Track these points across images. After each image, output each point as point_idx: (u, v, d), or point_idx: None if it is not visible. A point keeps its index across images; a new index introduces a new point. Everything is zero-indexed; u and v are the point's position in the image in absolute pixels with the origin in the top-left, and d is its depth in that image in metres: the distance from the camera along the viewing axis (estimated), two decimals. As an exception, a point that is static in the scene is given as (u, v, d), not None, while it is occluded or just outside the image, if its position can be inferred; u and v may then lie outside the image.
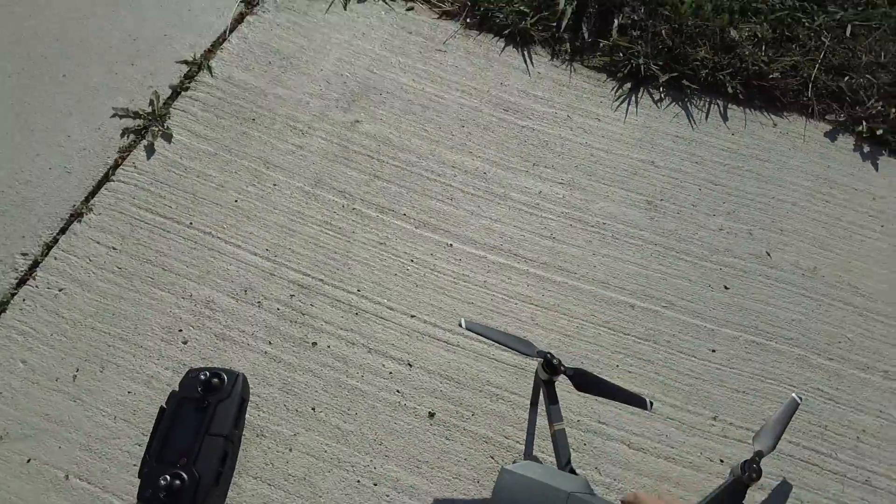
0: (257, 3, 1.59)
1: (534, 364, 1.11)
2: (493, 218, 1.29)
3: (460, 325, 0.97)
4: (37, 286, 1.15)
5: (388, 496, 1.00)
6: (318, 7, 1.61)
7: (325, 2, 1.62)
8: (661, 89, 1.48)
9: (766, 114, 1.46)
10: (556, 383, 0.95)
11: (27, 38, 1.50)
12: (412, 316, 1.17)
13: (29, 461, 1.00)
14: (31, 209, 1.25)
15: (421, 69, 1.53)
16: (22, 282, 1.16)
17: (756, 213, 1.31)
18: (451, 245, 1.26)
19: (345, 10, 1.61)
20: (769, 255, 1.26)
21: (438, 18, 1.61)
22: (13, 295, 1.14)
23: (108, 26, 1.54)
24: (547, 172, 1.35)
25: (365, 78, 1.50)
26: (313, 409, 1.07)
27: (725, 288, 1.22)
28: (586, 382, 0.95)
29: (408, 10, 1.63)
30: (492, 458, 1.04)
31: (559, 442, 0.90)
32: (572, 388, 0.91)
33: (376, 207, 1.30)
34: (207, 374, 1.00)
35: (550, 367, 0.93)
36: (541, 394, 1.06)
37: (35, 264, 1.18)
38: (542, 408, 1.07)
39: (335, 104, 1.45)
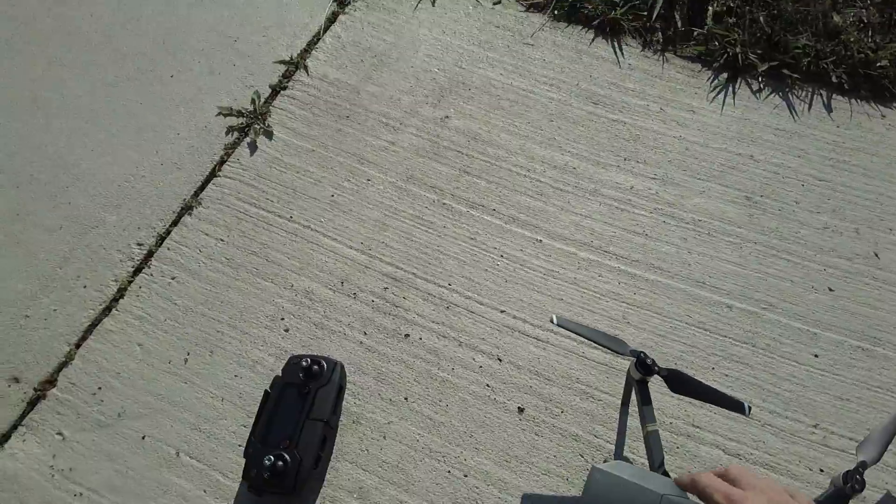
0: (349, 3, 1.62)
1: (624, 363, 1.08)
2: (584, 214, 1.26)
3: (552, 322, 0.96)
4: (151, 274, 1.23)
5: (477, 488, 1.00)
6: (407, 4, 1.62)
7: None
8: (759, 79, 1.40)
9: (873, 104, 1.36)
10: (648, 383, 0.93)
11: (135, 44, 1.59)
12: (502, 311, 1.17)
13: (144, 438, 1.06)
14: (145, 202, 1.32)
15: (509, 63, 1.51)
16: (138, 270, 1.23)
17: (863, 210, 1.23)
18: (540, 241, 1.24)
19: (433, 6, 1.61)
20: (877, 255, 1.18)
21: (525, 11, 1.58)
22: (130, 282, 1.22)
23: (209, 29, 1.60)
24: (639, 167, 1.31)
25: (454, 73, 1.50)
26: (406, 398, 1.08)
27: (830, 290, 1.15)
28: (681, 383, 0.91)
29: (495, 4, 1.62)
30: (581, 456, 1.03)
31: (652, 443, 0.87)
32: (665, 389, 0.88)
33: (466, 203, 1.30)
34: (309, 360, 1.03)
35: (644, 366, 0.91)
36: (632, 393, 1.03)
37: (150, 254, 1.25)
38: (633, 408, 1.04)
39: (425, 100, 1.46)
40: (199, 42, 1.58)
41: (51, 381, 1.11)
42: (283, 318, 1.17)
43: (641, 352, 0.91)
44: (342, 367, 1.07)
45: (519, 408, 1.07)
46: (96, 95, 1.48)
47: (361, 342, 1.14)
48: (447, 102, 1.45)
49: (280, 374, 1.05)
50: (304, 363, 1.03)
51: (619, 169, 1.31)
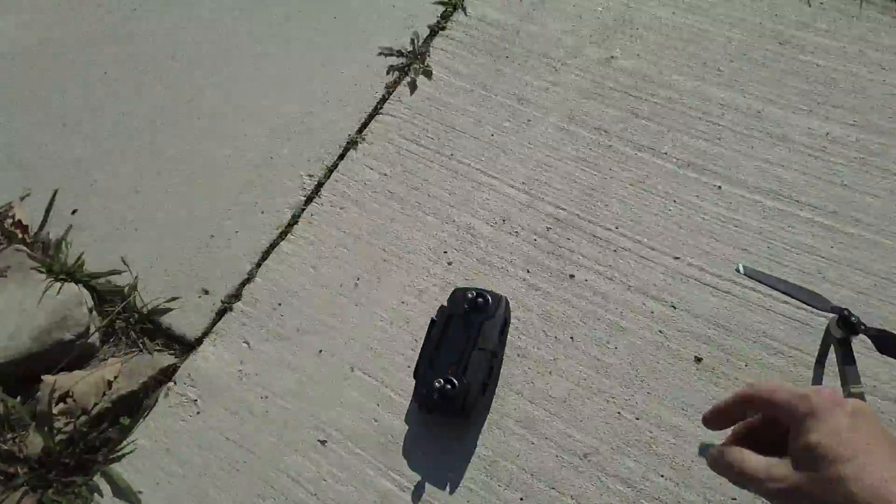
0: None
1: (820, 320, 0.98)
2: (770, 160, 1.15)
3: (738, 271, 0.89)
4: (322, 204, 1.25)
5: (650, 432, 0.95)
6: (572, -58, 1.54)
7: (580, -64, 1.54)
8: None
9: None
10: (851, 343, 0.84)
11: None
12: (676, 258, 1.10)
13: (320, 352, 1.10)
14: (314, 136, 1.35)
15: (681, 1, 1.40)
16: (310, 199, 1.27)
17: None
18: (719, 187, 1.15)
19: (599, -57, 1.52)
20: None
21: (703, -53, 1.46)
22: (302, 210, 1.25)
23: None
24: (836, 113, 1.18)
25: (620, 12, 1.41)
26: (572, 338, 1.05)
27: None
28: (893, 345, 0.82)
29: (668, -61, 1.50)
30: (763, 412, 0.95)
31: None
32: (866, 350, 0.79)
33: (634, 145, 1.23)
34: (474, 293, 1.02)
35: (847, 324, 0.82)
36: (829, 352, 0.94)
37: (319, 185, 1.28)
38: (829, 367, 0.95)
39: (588, 40, 1.39)
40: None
41: (236, 296, 1.17)
42: (445, 252, 1.16)
43: (845, 308, 0.82)
44: (507, 301, 1.05)
45: (696, 357, 1.00)
46: (269, 36, 1.53)
47: (524, 280, 1.11)
48: (613, 42, 1.37)
49: (445, 305, 1.04)
50: (469, 295, 1.02)
51: (812, 114, 1.19)
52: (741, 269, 0.93)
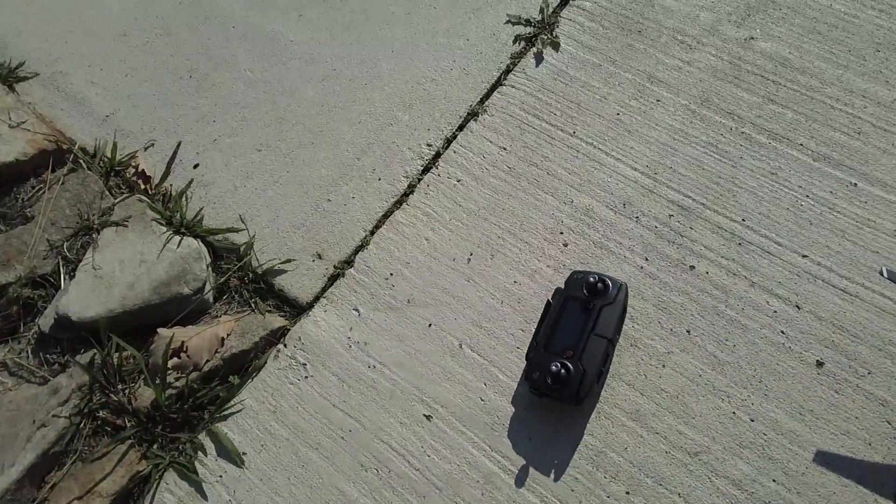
0: None
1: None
2: (919, 161, 1.13)
3: (881, 274, 0.88)
4: (439, 175, 1.30)
5: (765, 434, 0.98)
6: None
7: None
8: None
9: None
10: None
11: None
12: (804, 256, 1.10)
13: (430, 326, 1.16)
14: (434, 104, 1.39)
15: (830, -19, 1.35)
16: (426, 169, 1.32)
17: None
18: (855, 184, 1.14)
19: (743, -89, 1.47)
20: None
21: (860, -80, 1.39)
22: (419, 180, 1.31)
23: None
24: None
25: (761, -10, 1.37)
26: (688, 331, 1.07)
27: None
28: None
29: None
30: (888, 423, 0.96)
31: None
32: None
33: (768, 134, 1.22)
34: (595, 277, 1.05)
35: None
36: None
37: (437, 155, 1.33)
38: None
39: (727, 18, 1.36)
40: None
41: (349, 262, 1.24)
42: (562, 233, 1.19)
43: None
44: (626, 288, 1.08)
45: (818, 361, 1.02)
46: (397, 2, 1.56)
47: (642, 267, 1.14)
48: (753, 22, 1.34)
49: (562, 287, 1.08)
50: (590, 279, 1.05)
51: (971, 113, 1.14)
52: (885, 272, 0.93)
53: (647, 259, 1.15)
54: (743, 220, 1.15)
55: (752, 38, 1.32)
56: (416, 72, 1.43)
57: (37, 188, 1.41)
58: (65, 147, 1.44)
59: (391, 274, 1.22)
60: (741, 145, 1.21)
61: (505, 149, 1.30)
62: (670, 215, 1.17)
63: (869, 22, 1.29)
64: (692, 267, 1.12)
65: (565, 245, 1.19)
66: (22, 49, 1.63)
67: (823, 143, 1.18)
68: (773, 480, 0.95)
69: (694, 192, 1.19)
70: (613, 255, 1.17)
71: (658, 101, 1.29)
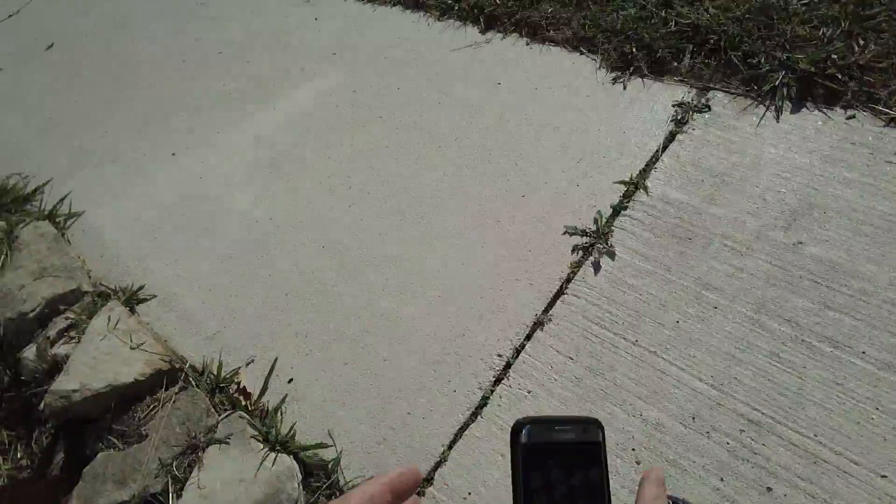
0: (686, 122, 1.73)
1: None
2: None
3: None
4: (510, 386, 1.43)
5: None
6: (747, 121, 1.68)
7: (755, 115, 1.68)
8: None
9: None
10: None
11: (491, 150, 1.89)
12: (883, 476, 1.13)
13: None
14: (503, 314, 1.55)
15: (869, 183, 1.48)
16: (498, 380, 1.45)
17: None
18: (927, 396, 1.18)
19: (777, 122, 1.65)
20: None
21: (885, 126, 1.54)
22: (492, 391, 1.44)
23: (557, 151, 1.84)
24: None
25: (805, 195, 1.51)
26: (771, 555, 1.10)
27: None
28: None
29: (848, 118, 1.60)
30: None
31: None
32: None
33: (829, 342, 1.29)
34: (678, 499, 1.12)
35: None
36: None
37: (507, 365, 1.47)
38: None
39: (774, 223, 1.49)
40: (546, 161, 1.82)
41: (428, 479, 1.35)
42: (633, 449, 1.28)
43: None
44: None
45: (912, 593, 1.02)
46: (466, 215, 1.79)
47: (718, 489, 1.20)
48: (799, 226, 1.46)
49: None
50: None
51: None
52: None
53: (722, 479, 1.21)
54: (815, 435, 1.21)
55: (801, 242, 1.44)
56: (485, 280, 1.62)
57: (151, 406, 1.62)
58: (177, 366, 1.67)
59: (469, 493, 1.32)
60: (804, 354, 1.29)
61: (571, 358, 1.43)
62: (741, 430, 1.24)
63: (917, 222, 1.39)
64: (769, 489, 1.18)
65: (638, 462, 1.26)
66: (142, 272, 1.93)
67: (886, 350, 1.25)
68: None
69: (762, 404, 1.26)
70: (688, 474, 1.23)
71: (716, 308, 1.40)
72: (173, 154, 2.32)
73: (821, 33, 1.83)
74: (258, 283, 1.81)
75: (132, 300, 1.87)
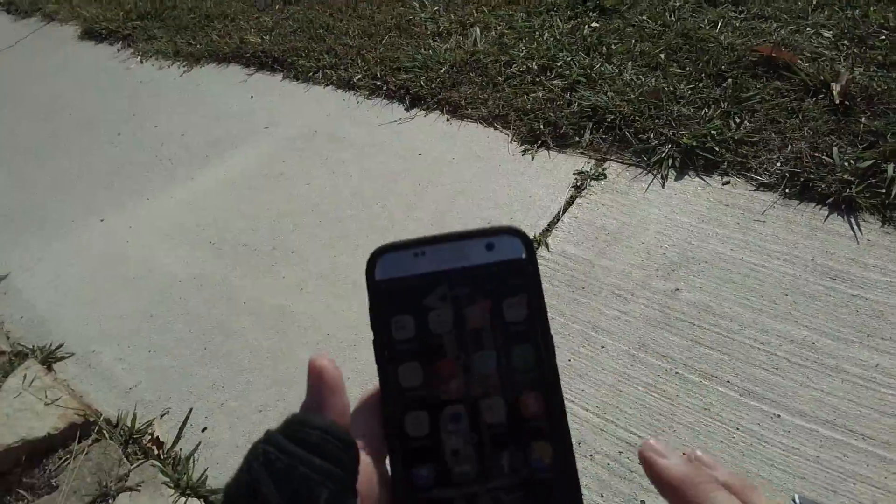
0: (585, 188, 2.03)
1: (878, 550, 1.19)
2: (825, 390, 1.42)
3: (794, 501, 1.14)
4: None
5: None
6: (638, 187, 1.99)
7: (644, 182, 1.99)
8: None
9: None
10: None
11: (415, 227, 2.13)
12: (739, 484, 1.34)
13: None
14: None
15: (739, 239, 1.77)
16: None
17: None
18: (778, 416, 1.42)
19: (663, 188, 1.96)
20: None
21: (755, 191, 1.86)
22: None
23: (468, 211, 2.11)
24: (884, 345, 1.46)
25: (683, 249, 1.80)
26: (644, 562, 1.29)
27: None
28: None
29: (724, 184, 1.92)
30: None
31: None
32: None
33: (699, 373, 1.53)
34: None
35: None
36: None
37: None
38: None
39: (656, 273, 1.76)
40: (460, 222, 2.08)
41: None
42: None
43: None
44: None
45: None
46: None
47: (597, 503, 1.39)
48: (677, 276, 1.73)
49: None
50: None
51: (863, 346, 1.47)
52: (797, 499, 1.18)
53: (602, 495, 1.40)
54: (684, 454, 1.42)
55: (678, 289, 1.70)
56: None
57: (63, 459, 1.73)
58: (91, 419, 1.79)
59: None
60: (677, 384, 1.53)
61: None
62: (620, 452, 1.45)
63: (776, 270, 1.68)
64: (643, 501, 1.37)
65: (530, 485, 1.45)
66: (62, 331, 2.06)
67: (748, 380, 1.49)
68: None
69: (640, 429, 1.48)
70: (573, 491, 1.41)
71: (603, 347, 1.64)
72: (102, 220, 2.50)
73: (703, 113, 2.19)
74: (178, 339, 1.97)
75: (50, 358, 1.99)
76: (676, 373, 1.53)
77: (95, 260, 2.29)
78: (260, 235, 2.23)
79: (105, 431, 1.75)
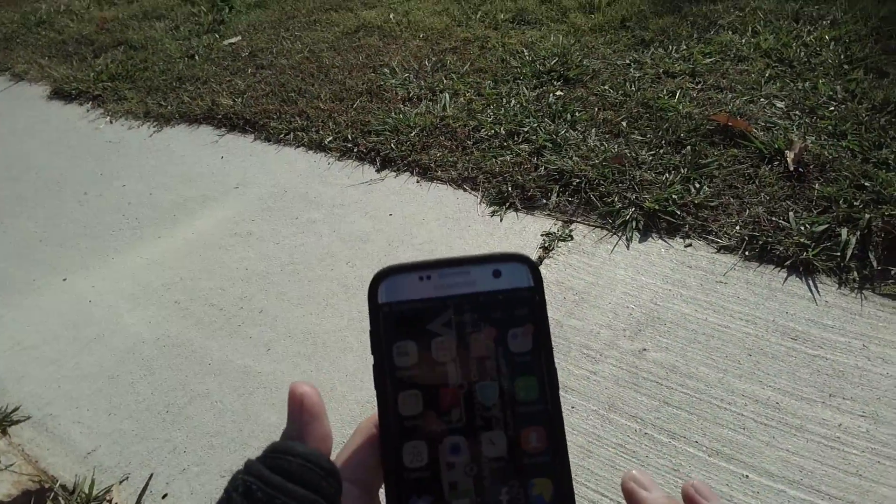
0: (553, 249, 2.08)
1: None
2: (791, 450, 1.45)
3: None
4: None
5: None
6: (604, 248, 2.04)
7: (610, 244, 2.05)
8: (974, 316, 1.56)
9: None
10: None
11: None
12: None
13: None
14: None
15: (703, 300, 1.82)
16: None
17: None
18: (746, 476, 1.43)
19: (627, 249, 2.01)
20: None
21: (717, 253, 1.92)
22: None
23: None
24: (846, 404, 1.49)
25: (649, 309, 1.83)
26: None
27: None
28: None
29: (686, 246, 1.98)
30: None
31: None
32: None
33: (668, 433, 1.55)
34: None
35: None
36: None
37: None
38: None
39: (623, 333, 1.79)
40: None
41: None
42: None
43: None
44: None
45: None
46: (345, 319, 2.00)
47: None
48: (644, 336, 1.76)
49: None
50: None
51: (825, 405, 1.50)
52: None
53: (574, 559, 1.38)
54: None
55: (645, 349, 1.73)
56: (367, 392, 1.80)
57: (13, 528, 1.65)
58: (47, 486, 1.72)
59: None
60: (646, 445, 1.53)
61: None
62: (592, 514, 1.44)
63: (739, 331, 1.72)
64: (615, 563, 1.36)
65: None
66: (20, 393, 1.99)
67: (715, 440, 1.51)
68: None
69: (609, 490, 1.47)
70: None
71: (573, 407, 1.64)
72: (64, 279, 2.46)
73: (664, 178, 2.27)
74: (139, 400, 1.92)
75: (5, 422, 1.92)
76: (646, 433, 1.54)
77: (57, 321, 2.24)
78: (227, 295, 2.22)
79: (61, 498, 1.68)
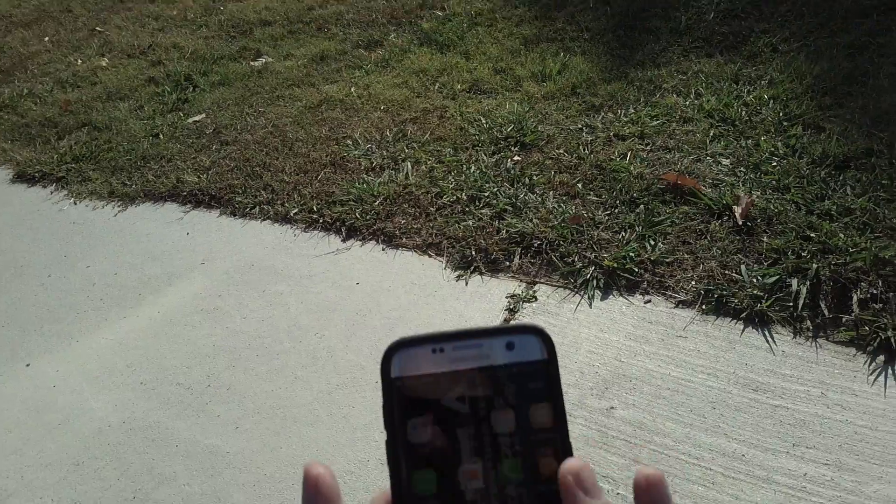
0: (517, 310, 2.09)
1: None
2: (758, 502, 1.45)
3: None
4: (360, 567, 1.53)
5: None
6: (567, 308, 2.06)
7: (573, 303, 2.07)
8: (922, 359, 1.60)
9: None
10: None
11: (353, 358, 2.12)
12: None
13: None
14: (353, 495, 1.69)
15: (665, 355, 1.84)
16: None
17: None
18: (717, 531, 1.42)
19: (590, 307, 2.04)
20: None
21: (675, 307, 1.96)
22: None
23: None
24: (809, 453, 1.51)
25: (614, 367, 1.85)
26: None
27: None
28: None
29: (646, 302, 2.01)
30: None
31: None
32: None
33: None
34: None
35: None
36: None
37: (358, 547, 1.57)
38: None
39: (590, 392, 1.79)
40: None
41: None
42: None
43: None
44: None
45: None
46: (320, 402, 1.98)
47: None
48: (611, 393, 1.77)
49: None
50: None
51: (790, 455, 1.51)
52: None
53: None
54: None
55: (613, 407, 1.73)
56: (338, 466, 1.76)
57: None
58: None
59: None
60: (618, 505, 1.52)
61: None
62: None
63: (701, 384, 1.74)
64: None
65: None
66: (-25, 490, 1.91)
67: (686, 496, 1.50)
68: None
69: (586, 554, 1.45)
70: None
71: (545, 472, 1.63)
72: (27, 365, 2.39)
73: (620, 236, 2.32)
74: (105, 487, 1.85)
75: (-40, 519, 1.83)
76: (618, 493, 1.53)
77: (20, 407, 2.17)
78: (194, 373, 2.17)
79: None
